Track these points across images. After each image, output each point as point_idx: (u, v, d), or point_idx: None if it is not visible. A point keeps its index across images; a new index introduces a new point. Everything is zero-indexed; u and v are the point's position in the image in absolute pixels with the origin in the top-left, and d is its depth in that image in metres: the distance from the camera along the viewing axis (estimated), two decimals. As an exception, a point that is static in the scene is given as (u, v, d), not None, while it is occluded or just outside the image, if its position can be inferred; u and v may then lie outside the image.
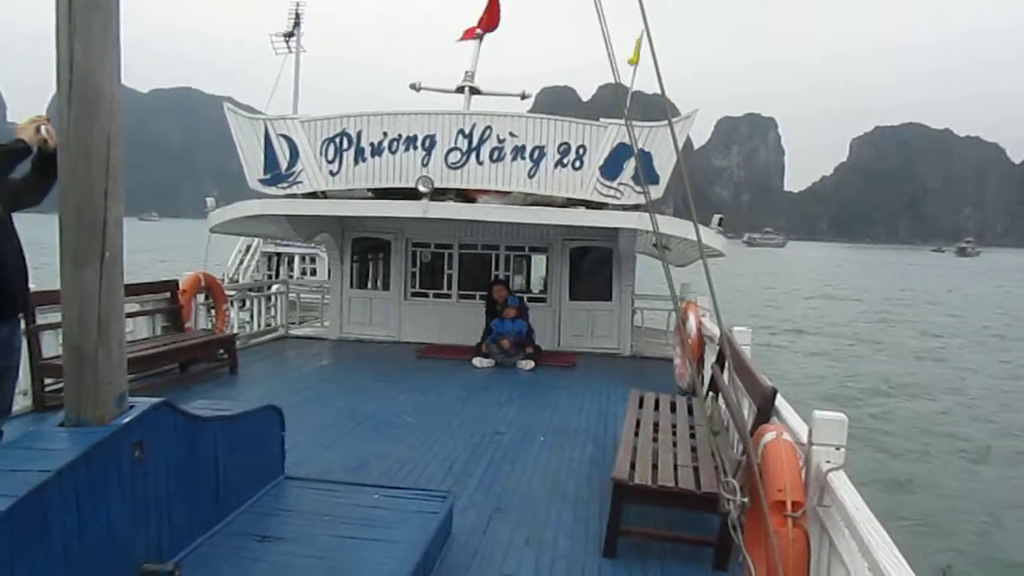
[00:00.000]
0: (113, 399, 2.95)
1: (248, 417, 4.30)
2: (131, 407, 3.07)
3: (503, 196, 10.36)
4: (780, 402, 4.51)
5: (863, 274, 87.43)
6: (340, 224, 12.56)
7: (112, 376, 2.94)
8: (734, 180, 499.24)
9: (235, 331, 11.30)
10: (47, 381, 7.29)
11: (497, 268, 12.52)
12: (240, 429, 4.16)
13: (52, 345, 7.44)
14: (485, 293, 11.64)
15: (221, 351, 9.70)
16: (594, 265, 12.33)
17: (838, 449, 3.57)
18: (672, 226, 9.36)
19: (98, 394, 2.93)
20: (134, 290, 9.24)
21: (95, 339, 2.90)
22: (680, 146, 9.35)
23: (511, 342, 10.59)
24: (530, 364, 10.52)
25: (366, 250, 13.19)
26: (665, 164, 9.71)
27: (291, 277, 25.71)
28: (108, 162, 2.83)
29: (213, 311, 10.90)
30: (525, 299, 11.97)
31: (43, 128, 3.95)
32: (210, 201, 11.30)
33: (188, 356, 9.08)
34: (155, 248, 74.46)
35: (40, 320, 7.32)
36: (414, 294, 12.73)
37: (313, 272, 28.51)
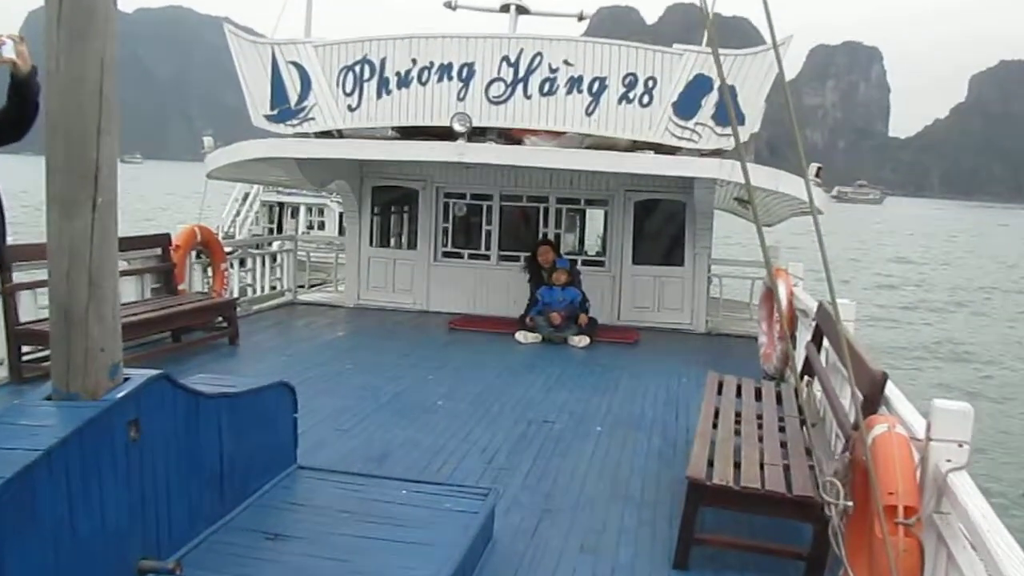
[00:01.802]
0: (107, 369, 3.01)
1: (256, 395, 4.35)
2: (126, 379, 3.12)
3: (555, 137, 10.34)
4: (891, 389, 4.44)
5: (978, 238, 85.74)
6: (359, 170, 12.66)
7: (105, 342, 2.99)
8: (828, 122, 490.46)
9: (235, 295, 11.50)
10: (25, 349, 7.46)
11: (545, 225, 12.55)
12: (247, 409, 4.22)
13: (31, 308, 7.63)
14: (529, 255, 11.69)
15: (220, 318, 9.86)
16: (663, 223, 12.31)
17: (961, 446, 3.51)
18: (763, 177, 9.25)
19: (89, 363, 2.94)
20: (120, 244, 9.35)
21: (86, 299, 2.93)
22: (772, 80, 9.19)
23: (561, 315, 10.64)
24: (584, 340, 10.57)
25: (389, 201, 13.29)
26: (753, 101, 9.57)
27: (296, 232, 26.17)
28: (102, 93, 2.82)
29: (210, 271, 11.09)
30: (578, 263, 12.01)
31: (7, 47, 3.92)
32: (207, 141, 11.48)
33: (182, 324, 9.25)
34: (139, 195, 75.73)
35: (17, 279, 7.46)
36: (445, 255, 12.85)
37: (321, 226, 28.69)
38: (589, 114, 10.12)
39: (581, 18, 12.52)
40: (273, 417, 4.60)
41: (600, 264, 12.42)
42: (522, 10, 11.90)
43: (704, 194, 10.98)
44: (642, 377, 8.93)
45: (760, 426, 5.64)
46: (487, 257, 12.68)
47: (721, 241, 12.52)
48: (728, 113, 6.50)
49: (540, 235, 12.40)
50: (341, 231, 29.21)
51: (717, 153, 10.06)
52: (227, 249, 11.76)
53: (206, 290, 10.82)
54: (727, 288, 12.76)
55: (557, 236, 12.47)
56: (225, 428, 3.91)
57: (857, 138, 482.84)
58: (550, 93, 10.16)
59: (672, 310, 11.98)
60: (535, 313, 10.76)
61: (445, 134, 10.19)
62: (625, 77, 10.03)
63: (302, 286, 13.81)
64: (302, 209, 28.14)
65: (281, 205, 28.62)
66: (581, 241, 13.39)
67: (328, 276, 15.06)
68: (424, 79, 10.41)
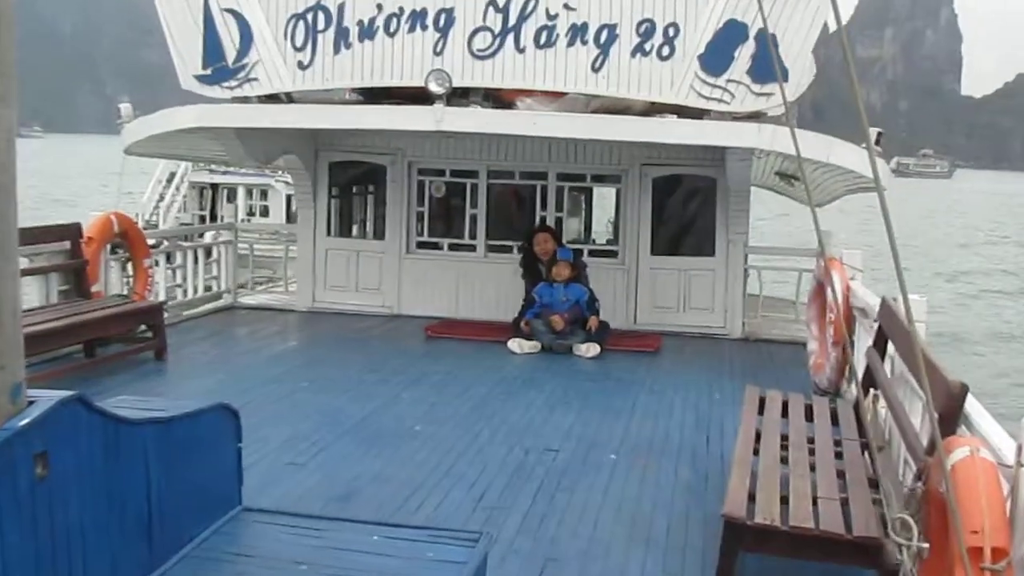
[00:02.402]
0: (6, 391, 2.96)
1: (191, 421, 4.33)
2: (30, 403, 3.08)
3: (554, 100, 10.35)
4: (972, 404, 4.47)
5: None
6: (312, 142, 12.69)
7: (4, 357, 2.96)
8: (887, 78, 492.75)
9: (162, 299, 11.49)
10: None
11: (543, 207, 12.61)
12: (180, 438, 4.20)
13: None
14: (524, 244, 11.75)
15: (143, 327, 9.85)
16: (688, 204, 12.39)
17: (1062, 474, 3.55)
18: (813, 146, 9.28)
19: (-17, 384, 2.93)
20: (19, 238, 9.31)
21: (-22, 305, 2.91)
22: (821, 26, 9.21)
23: (565, 318, 10.70)
24: (593, 349, 10.62)
25: (350, 181, 13.31)
26: (798, 52, 9.59)
27: (235, 219, 26.04)
28: (-4, 48, 2.82)
29: (130, 269, 11.07)
30: (584, 254, 12.08)
31: None
32: (124, 108, 11.40)
33: (97, 334, 9.24)
34: (41, 176, 75.48)
35: None
36: (421, 246, 12.91)
37: (264, 212, 28.65)
38: (596, 70, 10.11)
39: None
40: (212, 448, 4.58)
41: (611, 255, 12.45)
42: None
43: (739, 168, 11.01)
44: (665, 393, 8.97)
45: (812, 452, 5.66)
46: (472, 248, 12.72)
47: (758, 226, 12.49)
48: (772, 65, 6.50)
49: (537, 220, 12.44)
50: (290, 218, 29.14)
51: (754, 117, 10.07)
52: (151, 242, 11.76)
53: (126, 292, 10.79)
54: (768, 283, 12.82)
55: (558, 221, 12.50)
56: (153, 462, 3.89)
57: (922, 98, 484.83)
58: (548, 45, 10.14)
59: (701, 311, 12.05)
60: (532, 316, 10.82)
61: (419, 97, 10.19)
62: (640, 24, 10.02)
63: (244, 286, 13.79)
64: (241, 192, 28.16)
65: (215, 187, 28.62)
66: (587, 227, 13.45)
67: (276, 274, 15.05)
68: (392, 29, 10.39)
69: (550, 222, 12.30)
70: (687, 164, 12.03)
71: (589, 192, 13.16)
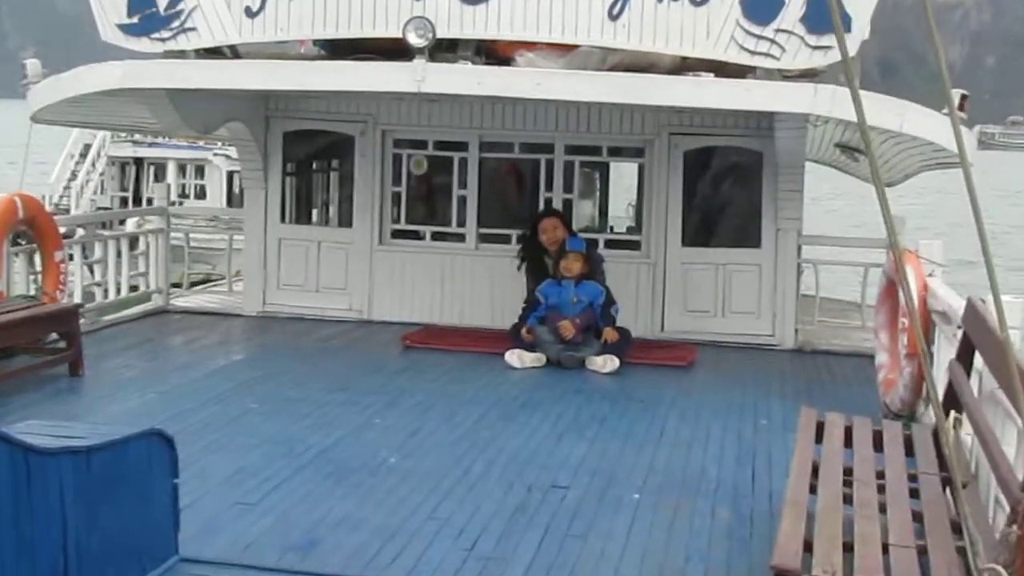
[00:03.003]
0: None
1: (116, 452, 4.34)
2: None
3: (562, 54, 10.37)
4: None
5: None
6: (263, 106, 12.71)
7: None
8: (971, 28, 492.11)
9: (78, 300, 11.46)
10: None
11: (549, 188, 12.64)
12: (103, 472, 4.20)
13: None
14: (527, 233, 11.78)
15: (54, 335, 9.83)
16: (729, 182, 12.46)
17: None
18: (882, 111, 9.28)
19: None
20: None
21: None
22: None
23: (576, 324, 10.72)
24: (611, 363, 10.62)
25: (310, 155, 13.35)
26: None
27: (166, 202, 25.81)
28: None
29: (38, 263, 11.06)
30: (600, 244, 12.11)
31: None
32: (31, 66, 11.37)
33: (-2, 343, 9.25)
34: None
35: None
36: (397, 235, 12.93)
37: (201, 193, 28.50)
38: (614, 18, 10.09)
39: None
40: (142, 484, 4.59)
41: (633, 246, 12.49)
42: None
43: (791, 138, 11.02)
44: (700, 418, 8.97)
45: (881, 488, 5.64)
46: (460, 238, 12.75)
47: (814, 210, 12.51)
48: (830, 12, 6.49)
49: (542, 203, 12.46)
50: (232, 200, 28.92)
51: (809, 76, 10.06)
52: (63, 230, 11.69)
53: (33, 293, 10.75)
54: (826, 281, 12.81)
55: (567, 204, 12.53)
56: (71, 499, 3.89)
57: (1012, 53, 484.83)
58: (554, -13, 10.19)
59: (744, 315, 12.10)
60: (535, 322, 10.83)
61: (395, 51, 10.17)
62: (669, -39, 10.04)
63: (178, 285, 13.76)
64: (171, 168, 28.04)
65: (139, 162, 28.52)
66: (603, 212, 13.41)
67: (216, 269, 15.04)
68: (362, -34, 10.40)
69: (557, 205, 12.30)
70: (726, 134, 12.06)
71: (605, 168, 13.11)
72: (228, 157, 25.82)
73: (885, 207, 3.85)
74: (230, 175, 26.97)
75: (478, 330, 11.92)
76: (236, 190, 26.29)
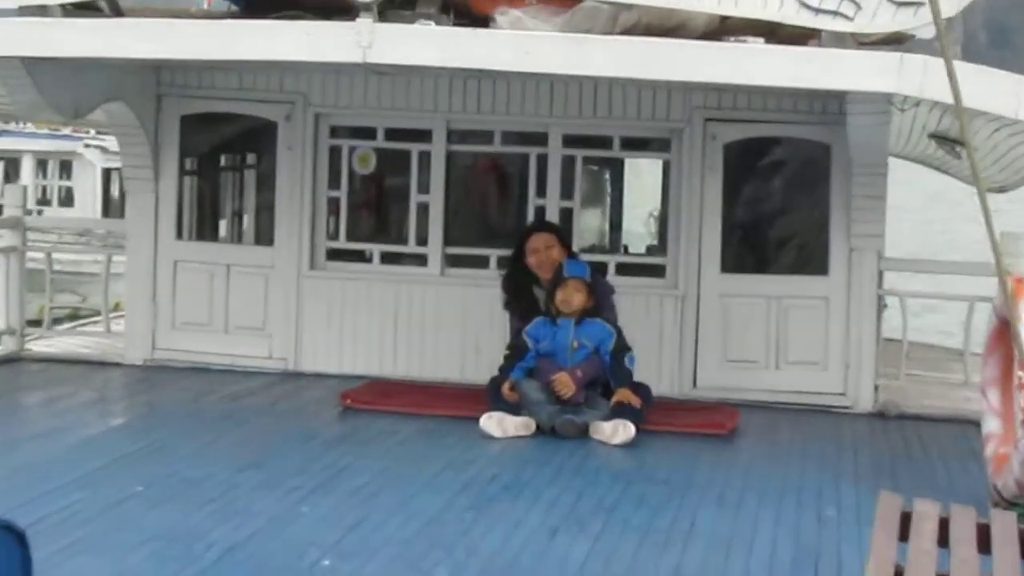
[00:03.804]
0: None
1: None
2: None
3: (559, 10, 10.36)
4: None
5: None
6: (154, 82, 12.73)
7: None
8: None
9: None
10: None
11: (541, 193, 12.65)
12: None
13: None
14: (512, 255, 11.68)
15: None
16: (784, 186, 12.52)
17: None
18: (989, 90, 9.20)
19: None
20: None
21: None
22: None
23: (577, 376, 10.59)
24: (624, 432, 10.41)
25: (217, 147, 13.44)
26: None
27: (21, 209, 25.69)
28: None
29: None
30: (609, 270, 12.13)
31: None
32: None
33: None
34: None
35: None
36: (335, 256, 12.99)
37: (67, 198, 28.42)
38: (630, -38, 10.08)
39: None
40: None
41: (656, 272, 12.55)
42: None
43: (869, 127, 10.94)
44: (744, 507, 8.85)
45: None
46: (420, 260, 12.78)
47: (899, 225, 12.42)
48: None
49: (531, 214, 12.50)
50: (110, 208, 29.03)
51: (894, 43, 10.00)
52: None
53: None
54: (918, 321, 12.73)
55: (566, 215, 12.56)
56: None
57: None
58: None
59: (804, 367, 12.11)
60: (521, 375, 10.71)
61: (333, 7, 10.18)
62: None
63: (37, 323, 13.63)
64: (27, 164, 28.06)
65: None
66: (615, 225, 13.30)
67: (88, 301, 14.92)
68: None
69: (553, 217, 12.32)
70: (782, 121, 12.12)
71: (618, 167, 13.06)
72: (104, 150, 25.83)
73: (989, 220, 3.72)
74: (107, 174, 27.01)
75: (443, 386, 11.93)
76: (115, 194, 26.20)
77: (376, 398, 11.53)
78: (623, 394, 10.63)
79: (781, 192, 12.41)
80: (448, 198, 12.70)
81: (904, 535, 6.39)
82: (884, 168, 11.83)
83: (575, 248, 11.84)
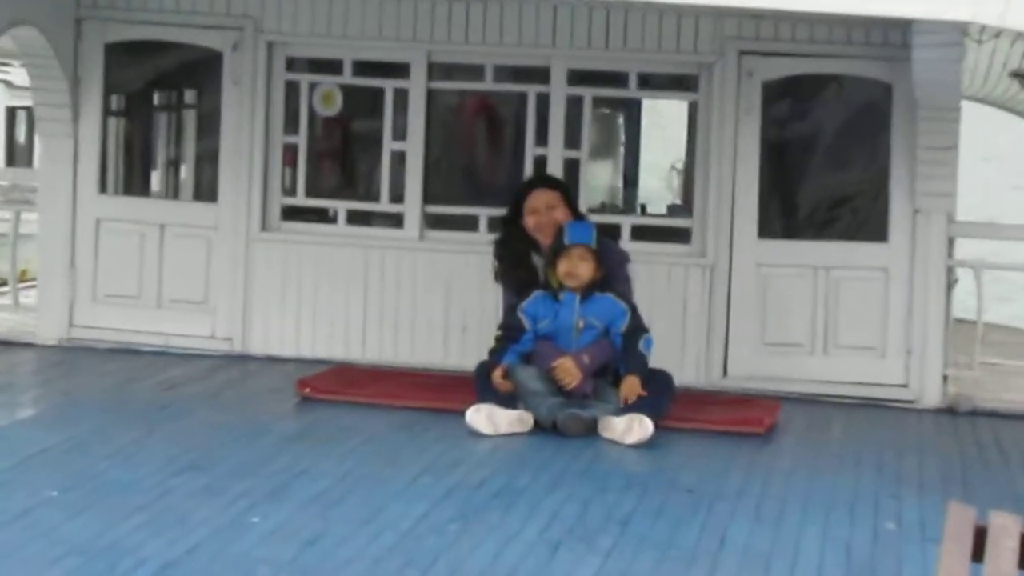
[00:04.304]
0: None
1: None
2: None
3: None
4: None
5: None
6: (73, 1, 12.67)
7: None
8: None
9: None
10: None
11: (542, 142, 12.66)
12: None
13: None
14: (506, 216, 11.62)
15: None
16: (834, 135, 12.52)
17: None
18: None
19: None
20: None
21: None
22: None
23: (583, 363, 10.58)
24: (640, 429, 10.39)
25: (149, 83, 13.43)
26: None
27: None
28: None
29: None
30: (622, 234, 12.14)
31: None
32: None
33: None
34: None
35: None
36: (292, 214, 13.05)
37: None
38: None
39: None
40: None
41: (679, 237, 12.59)
42: None
43: (939, 63, 10.94)
44: (785, 519, 8.81)
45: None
46: (395, 221, 12.85)
47: (973, 177, 12.41)
48: None
49: (529, 167, 12.51)
50: (15, 155, 29.18)
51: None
52: None
53: None
54: (994, 299, 12.68)
55: (572, 168, 12.58)
56: None
57: None
58: None
59: (859, 352, 12.15)
60: (516, 361, 10.69)
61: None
62: None
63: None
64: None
65: None
66: (631, 181, 13.23)
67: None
68: None
69: (556, 170, 12.32)
70: (832, 55, 12.13)
71: (635, 109, 12.99)
72: (9, 85, 25.89)
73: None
74: (11, 114, 27.07)
75: (422, 372, 11.97)
76: (23, 139, 26.29)
77: (340, 387, 11.53)
78: (628, 384, 10.63)
79: (832, 141, 12.43)
80: (429, 146, 12.72)
81: (978, 554, 6.34)
82: (956, 112, 11.80)
83: (582, 208, 11.81)
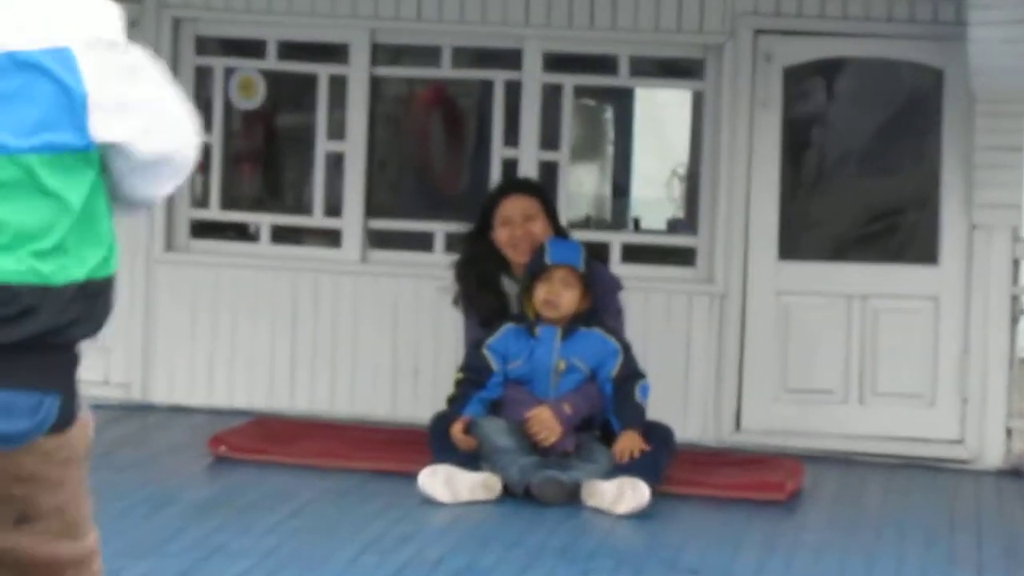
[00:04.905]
0: None
1: None
2: None
3: None
4: None
5: None
6: None
7: None
8: None
9: None
10: None
11: (512, 140, 12.68)
12: None
13: None
14: (471, 231, 11.57)
15: None
16: (872, 133, 12.49)
17: None
18: None
19: None
20: None
21: None
22: None
23: (565, 413, 10.54)
24: (633, 496, 10.34)
25: None
26: None
27: None
28: None
29: None
30: (611, 255, 12.15)
31: None
32: None
33: None
34: None
35: None
36: (202, 232, 13.06)
37: None
38: None
39: None
40: None
41: (681, 258, 12.62)
42: None
43: (1002, 43, 10.96)
44: None
45: None
46: (331, 239, 12.89)
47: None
48: None
49: (496, 171, 12.52)
50: None
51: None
52: None
53: None
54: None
55: (549, 172, 12.59)
56: None
57: None
58: None
59: (903, 400, 12.14)
60: (481, 410, 10.66)
61: None
62: None
63: None
64: None
65: None
66: (621, 189, 13.25)
67: None
68: None
69: (529, 172, 12.34)
70: (869, 33, 12.17)
71: (626, 102, 12.99)
72: None
73: None
74: None
75: (364, 425, 11.93)
76: None
77: (264, 444, 11.49)
78: (628, 440, 10.57)
79: (869, 140, 12.42)
80: (372, 147, 12.76)
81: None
82: (1022, 106, 11.86)
83: (563, 222, 11.75)
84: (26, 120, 4.78)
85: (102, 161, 4.96)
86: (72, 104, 4.86)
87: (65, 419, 4.71)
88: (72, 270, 4.83)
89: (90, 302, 4.93)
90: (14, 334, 4.57)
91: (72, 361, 4.87)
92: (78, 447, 4.89)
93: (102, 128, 4.88)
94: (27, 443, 4.71)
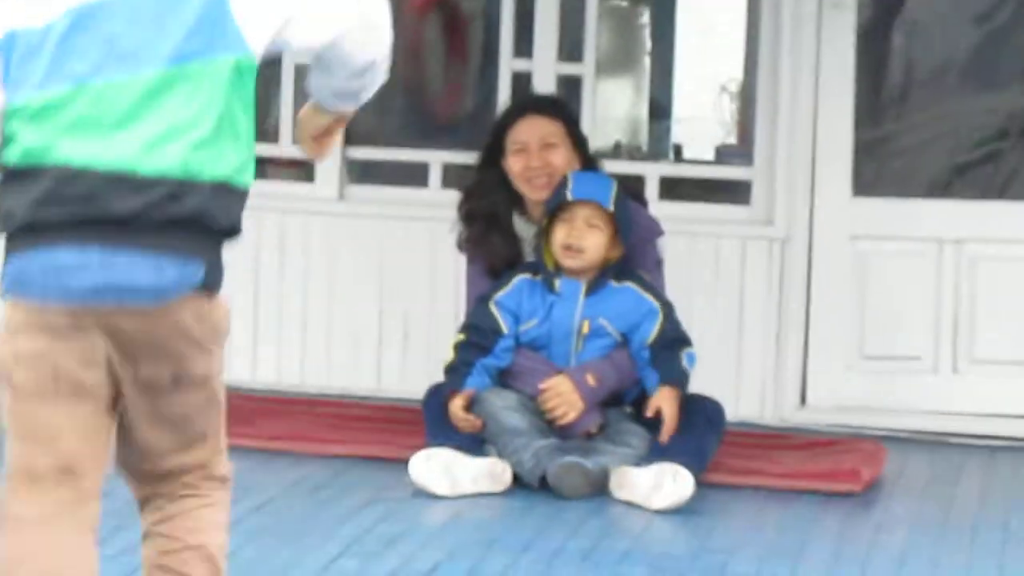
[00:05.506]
0: None
1: None
2: None
3: None
4: None
5: None
6: None
7: None
8: None
9: None
10: None
11: (525, 50, 12.75)
12: None
13: None
14: (477, 159, 11.60)
15: None
16: (970, 38, 12.50)
17: None
18: None
19: None
20: None
21: None
22: None
23: (589, 384, 10.56)
24: (674, 487, 10.30)
25: None
26: None
27: None
28: None
29: None
30: (647, 188, 12.20)
31: None
32: None
33: None
34: None
35: None
36: None
37: None
38: None
39: None
40: None
41: (733, 195, 12.72)
42: None
43: None
44: None
45: None
46: (302, 172, 13.00)
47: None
48: None
49: (505, 87, 12.64)
50: None
51: None
52: None
53: None
54: None
55: (572, 88, 12.65)
56: None
57: None
58: None
59: (1006, 368, 12.16)
60: (488, 381, 10.70)
61: None
62: None
63: None
64: None
65: None
66: (660, 110, 13.38)
67: None
68: None
69: (547, 88, 12.37)
70: None
71: (664, 2, 13.10)
72: None
73: None
74: None
75: (343, 401, 12.00)
76: None
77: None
78: (665, 400, 10.51)
79: (969, 48, 12.39)
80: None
81: None
82: None
83: (590, 149, 11.66)
84: (180, 28, 5.66)
85: (251, 71, 5.84)
86: (223, 11, 5.66)
87: (211, 283, 5.72)
88: (216, 165, 5.80)
89: (227, 200, 5.90)
90: (163, 214, 5.53)
91: (216, 240, 5.83)
92: (221, 323, 5.93)
93: (255, 34, 5.75)
94: (179, 296, 5.68)
